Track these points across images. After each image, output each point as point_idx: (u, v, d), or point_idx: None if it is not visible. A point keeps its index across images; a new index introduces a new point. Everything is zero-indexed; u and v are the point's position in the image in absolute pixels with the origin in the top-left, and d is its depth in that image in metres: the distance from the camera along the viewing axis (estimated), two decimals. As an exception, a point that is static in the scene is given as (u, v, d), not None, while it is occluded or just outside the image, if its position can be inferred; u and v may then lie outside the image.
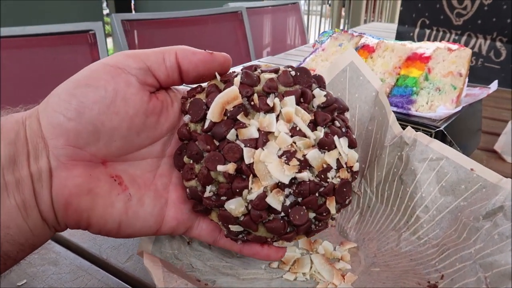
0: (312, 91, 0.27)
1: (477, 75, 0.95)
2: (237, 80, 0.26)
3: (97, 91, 0.23)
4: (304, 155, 0.24)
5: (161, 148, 0.27)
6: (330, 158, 0.25)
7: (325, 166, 0.25)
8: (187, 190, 0.26)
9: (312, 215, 0.26)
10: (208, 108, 0.25)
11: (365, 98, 0.38)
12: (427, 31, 1.01)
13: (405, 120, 0.43)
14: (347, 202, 0.27)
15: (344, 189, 0.26)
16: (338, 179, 0.26)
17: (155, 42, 1.38)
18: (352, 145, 0.27)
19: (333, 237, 0.36)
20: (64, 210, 0.23)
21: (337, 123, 0.27)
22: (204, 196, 0.26)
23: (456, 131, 0.44)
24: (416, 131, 0.35)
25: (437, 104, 0.45)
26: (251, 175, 0.24)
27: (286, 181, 0.24)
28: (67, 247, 0.37)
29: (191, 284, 0.25)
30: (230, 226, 0.26)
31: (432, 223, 0.33)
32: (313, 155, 0.25)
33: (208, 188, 0.25)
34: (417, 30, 1.03)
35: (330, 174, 0.25)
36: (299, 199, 0.25)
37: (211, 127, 0.25)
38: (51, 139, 0.23)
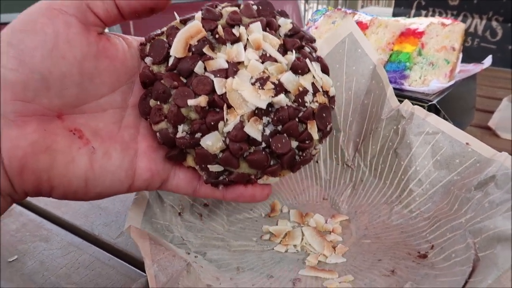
0: (277, 21, 0.26)
1: (473, 56, 0.94)
2: (198, 16, 0.25)
3: (35, 36, 0.20)
4: (278, 79, 0.23)
5: (122, 98, 0.24)
6: (305, 81, 0.24)
7: (301, 89, 0.24)
8: (158, 134, 0.24)
9: (294, 144, 0.24)
10: (170, 46, 0.24)
11: (362, 71, 0.37)
12: (423, 12, 1.00)
13: (398, 95, 0.43)
14: (328, 128, 0.25)
15: (324, 114, 0.25)
16: (316, 104, 0.24)
17: (150, 27, 1.37)
18: (325, 70, 0.26)
19: (325, 210, 0.36)
20: (19, 174, 0.21)
21: (307, 49, 0.26)
22: (177, 137, 0.24)
23: (450, 106, 0.44)
24: (409, 104, 0.35)
25: (430, 79, 0.45)
26: (225, 106, 0.23)
27: (264, 106, 0.22)
28: (59, 225, 0.37)
29: (178, 256, 0.25)
30: (209, 166, 0.24)
31: (424, 197, 0.33)
32: (288, 78, 0.23)
33: (180, 127, 0.23)
34: (413, 11, 1.02)
35: (307, 98, 0.24)
36: (279, 127, 0.23)
37: (175, 64, 0.23)
38: None
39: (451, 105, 0.45)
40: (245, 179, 0.25)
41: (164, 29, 0.26)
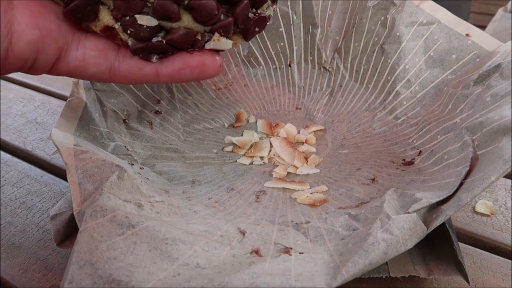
0: None
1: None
2: None
3: None
4: None
5: None
6: None
7: None
8: None
9: None
10: None
11: None
12: None
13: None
14: None
15: None
16: None
17: None
18: None
19: (298, 120, 0.31)
20: None
21: None
22: None
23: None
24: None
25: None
26: None
27: None
28: (-16, 140, 0.31)
29: (110, 160, 0.20)
30: (137, 17, 0.17)
31: (413, 101, 0.29)
32: None
33: None
34: None
35: None
36: None
37: None
38: None
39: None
40: (190, 41, 0.18)
41: None
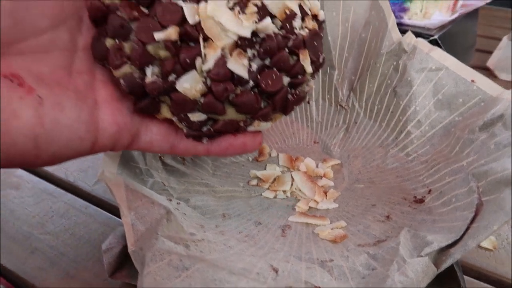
0: None
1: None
2: None
3: None
4: (261, 2, 0.19)
5: (69, 37, 0.19)
6: (291, 3, 0.20)
7: (288, 13, 0.20)
8: (121, 81, 0.20)
9: (286, 80, 0.21)
10: None
11: (361, 1, 0.33)
12: None
13: (397, 30, 0.40)
14: (321, 60, 0.22)
15: (315, 43, 0.21)
16: (306, 30, 0.21)
17: None
18: None
19: (316, 154, 0.34)
20: None
21: None
22: (146, 81, 0.19)
23: (451, 43, 0.41)
24: (409, 38, 0.32)
25: (431, 12, 0.41)
26: (201, 38, 0.19)
27: (247, 34, 0.19)
28: (29, 171, 0.34)
29: (157, 203, 0.23)
30: (189, 115, 0.20)
31: (423, 139, 0.31)
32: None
33: (149, 70, 0.19)
34: None
35: (296, 24, 0.20)
36: (267, 61, 0.20)
37: None
38: None
39: (451, 42, 0.42)
40: (234, 128, 0.21)
41: None
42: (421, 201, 0.28)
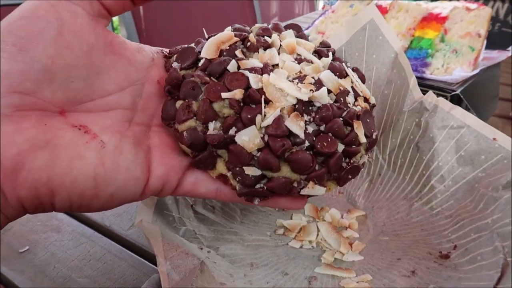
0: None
1: (493, 41, 0.90)
2: (228, 29, 0.24)
3: (37, 22, 0.18)
4: (318, 77, 0.21)
5: (131, 100, 0.22)
6: (345, 83, 0.22)
7: (342, 89, 0.22)
8: (184, 134, 0.21)
9: (340, 147, 0.21)
10: (199, 53, 0.22)
11: (383, 59, 0.35)
12: (443, -6, 0.96)
13: (419, 84, 0.41)
14: (374, 136, 0.23)
15: (368, 120, 0.22)
16: (359, 107, 0.22)
17: (161, 9, 1.34)
18: (362, 79, 0.24)
19: (341, 204, 0.35)
20: (13, 175, 0.18)
21: (340, 58, 0.25)
22: (208, 133, 0.21)
23: (473, 96, 0.42)
24: (431, 95, 0.33)
25: (453, 67, 0.42)
26: (263, 99, 0.20)
27: (305, 98, 0.20)
28: (70, 215, 0.37)
29: (191, 253, 0.25)
30: (244, 168, 0.21)
31: (446, 194, 0.32)
32: (327, 76, 0.22)
33: (212, 124, 0.21)
34: (432, -7, 0.98)
35: (349, 99, 0.22)
36: (322, 127, 0.21)
37: (206, 65, 0.22)
38: None
39: (474, 94, 0.43)
40: (287, 189, 0.21)
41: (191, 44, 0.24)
42: (446, 256, 0.28)
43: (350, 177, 0.23)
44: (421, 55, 0.45)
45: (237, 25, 0.24)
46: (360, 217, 0.34)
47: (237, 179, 0.22)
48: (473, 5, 0.46)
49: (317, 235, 0.32)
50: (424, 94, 0.34)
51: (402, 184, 0.34)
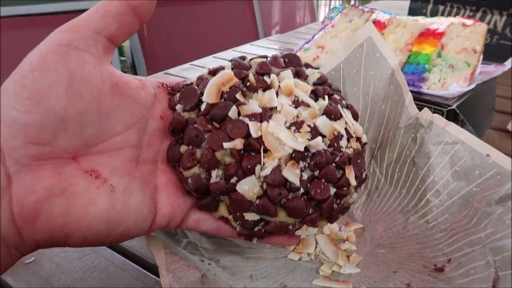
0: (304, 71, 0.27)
1: (492, 53, 0.91)
2: (227, 66, 0.25)
3: (48, 74, 0.19)
4: (313, 123, 0.23)
5: (137, 137, 0.24)
6: (339, 126, 0.24)
7: (336, 134, 0.24)
8: (189, 180, 0.23)
9: (332, 190, 0.24)
10: (202, 94, 0.24)
11: (380, 76, 0.37)
12: (441, 7, 0.97)
13: (416, 98, 0.42)
14: (363, 175, 0.25)
15: (359, 161, 0.24)
16: (351, 149, 0.24)
17: (163, 20, 1.36)
18: (355, 117, 0.26)
19: (339, 217, 0.36)
20: (31, 221, 0.19)
21: (336, 96, 0.26)
22: (211, 182, 0.23)
23: (469, 110, 0.43)
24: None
25: (449, 82, 0.43)
26: (262, 149, 0.22)
27: (301, 148, 0.22)
28: (74, 226, 0.37)
29: (193, 265, 0.25)
30: (244, 214, 0.23)
31: (442, 208, 0.33)
32: (323, 122, 0.23)
33: (214, 172, 0.23)
34: (430, 6, 0.99)
35: (343, 143, 0.24)
36: (316, 172, 0.23)
37: (208, 110, 0.23)
38: (6, 140, 0.19)
39: (470, 109, 0.44)
40: (283, 230, 0.24)
41: (193, 80, 0.26)
42: (441, 270, 0.29)
43: (340, 216, 0.25)
44: (418, 70, 0.46)
45: (237, 58, 0.26)
46: (358, 230, 0.35)
47: (238, 222, 0.24)
48: (469, 21, 0.48)
49: (316, 247, 0.33)
50: (420, 109, 0.35)
51: (398, 198, 0.35)
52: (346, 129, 0.24)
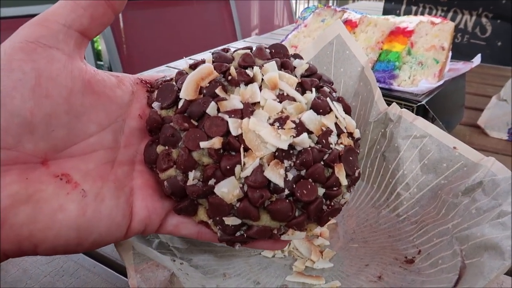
0: (292, 62, 0.25)
1: (462, 52, 0.94)
2: (208, 59, 0.23)
3: (11, 75, 0.18)
4: (299, 119, 0.21)
5: (113, 137, 0.22)
6: (328, 121, 0.22)
7: (324, 129, 0.21)
8: (165, 183, 0.22)
9: (321, 191, 0.21)
10: (179, 90, 0.22)
11: (350, 73, 0.37)
12: (414, 8, 1.00)
13: (387, 95, 0.43)
14: (356, 174, 0.23)
15: (351, 158, 0.22)
16: (342, 146, 0.22)
17: (140, 22, 1.35)
18: (347, 110, 0.24)
19: (313, 214, 0.36)
20: None
21: (326, 89, 0.24)
22: (188, 184, 0.21)
23: (439, 106, 0.44)
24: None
25: (419, 79, 0.44)
26: (242, 148, 0.20)
27: (285, 146, 0.20)
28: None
29: (162, 265, 0.25)
30: (224, 219, 0.21)
31: (412, 201, 0.33)
32: (309, 117, 0.21)
33: (191, 174, 0.21)
34: (403, 7, 1.02)
35: (332, 140, 0.22)
36: (303, 172, 0.21)
37: (186, 107, 0.22)
38: None
39: (440, 104, 0.45)
40: (267, 235, 0.22)
41: (173, 75, 0.24)
42: (411, 261, 0.29)
43: (331, 218, 0.23)
44: (389, 68, 0.46)
45: (219, 51, 0.24)
46: (331, 225, 0.35)
47: (218, 227, 0.22)
48: (437, 20, 0.49)
49: (289, 244, 0.33)
50: (390, 105, 0.35)
51: (370, 193, 0.36)
52: (336, 124, 0.22)
